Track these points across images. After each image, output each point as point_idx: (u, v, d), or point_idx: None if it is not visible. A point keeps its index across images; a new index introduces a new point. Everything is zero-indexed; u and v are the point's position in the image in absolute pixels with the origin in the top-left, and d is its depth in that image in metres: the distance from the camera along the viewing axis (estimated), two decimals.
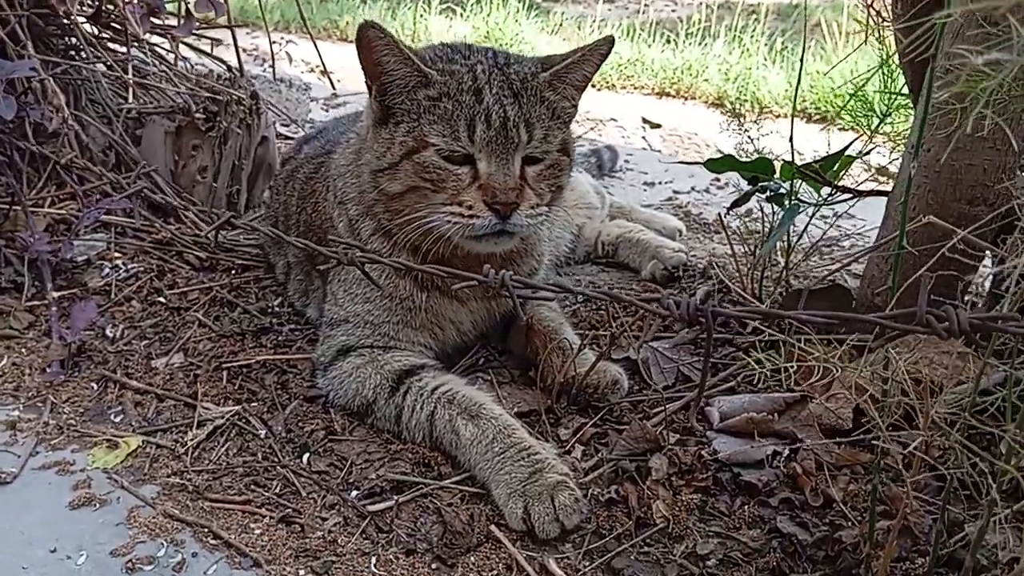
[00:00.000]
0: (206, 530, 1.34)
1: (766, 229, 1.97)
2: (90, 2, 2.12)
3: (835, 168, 1.80)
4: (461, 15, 6.13)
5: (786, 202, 1.83)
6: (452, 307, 1.63)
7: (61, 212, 2.17)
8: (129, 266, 2.03)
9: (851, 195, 1.82)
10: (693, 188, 3.39)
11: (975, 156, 1.45)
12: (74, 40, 2.36)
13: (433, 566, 1.28)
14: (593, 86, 5.30)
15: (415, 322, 1.60)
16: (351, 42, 3.04)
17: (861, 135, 1.88)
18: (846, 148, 1.81)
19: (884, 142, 1.96)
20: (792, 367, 1.09)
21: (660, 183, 3.45)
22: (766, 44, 5.37)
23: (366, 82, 1.49)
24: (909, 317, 0.89)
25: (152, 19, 2.01)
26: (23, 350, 1.82)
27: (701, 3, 8.09)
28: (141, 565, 1.28)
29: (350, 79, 4.75)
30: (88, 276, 2.00)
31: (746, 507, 1.34)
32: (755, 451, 1.41)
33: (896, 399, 1.04)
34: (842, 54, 5.49)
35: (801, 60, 1.97)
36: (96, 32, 2.41)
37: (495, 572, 1.27)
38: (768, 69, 5.03)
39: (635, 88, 5.25)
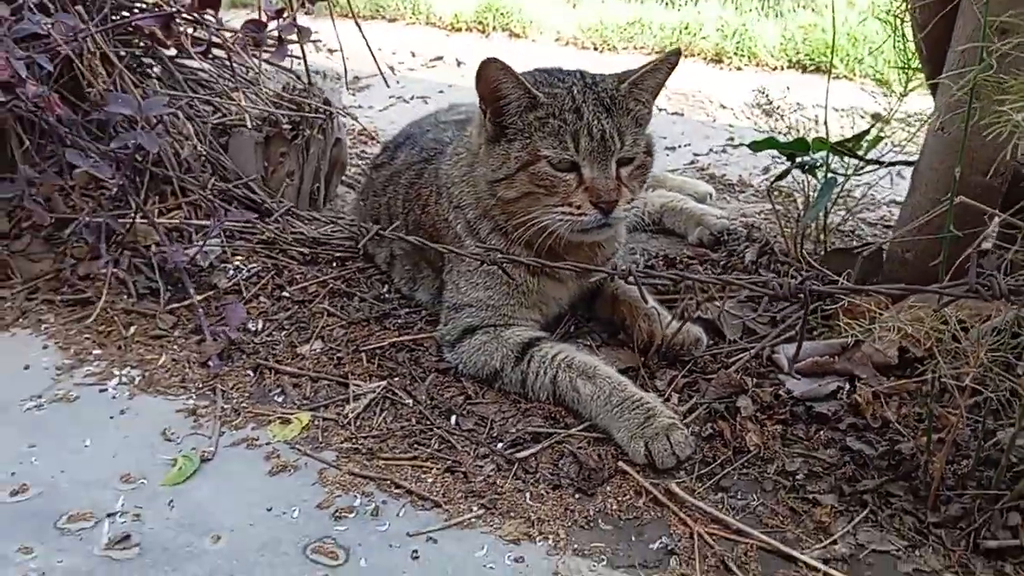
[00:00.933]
0: (388, 482, 1.66)
1: (802, 194, 2.27)
2: (202, 36, 2.36)
3: (863, 144, 2.10)
4: None
5: (821, 175, 2.14)
6: (555, 288, 1.95)
7: (173, 222, 2.44)
8: (249, 266, 2.32)
9: (878, 165, 2.13)
10: (711, 149, 3.68)
11: (988, 138, 1.76)
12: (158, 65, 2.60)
13: (576, 496, 1.61)
14: (595, 49, 5.56)
15: (528, 302, 1.93)
16: (350, 17, 3.21)
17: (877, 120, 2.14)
18: (871, 127, 2.11)
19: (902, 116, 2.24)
20: (876, 330, 1.41)
21: (679, 146, 3.74)
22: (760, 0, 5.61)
23: (480, 106, 1.78)
24: (962, 286, 1.21)
25: (255, 48, 2.27)
26: (176, 347, 2.11)
27: None
28: (344, 514, 1.60)
29: (359, 57, 4.98)
30: (215, 278, 2.29)
31: (820, 432, 1.67)
32: (822, 388, 1.74)
33: (949, 344, 1.37)
34: (830, 1, 5.76)
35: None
36: (173, 54, 2.65)
37: (628, 496, 1.60)
38: (762, 24, 5.27)
39: (636, 49, 5.48)
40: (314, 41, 2.51)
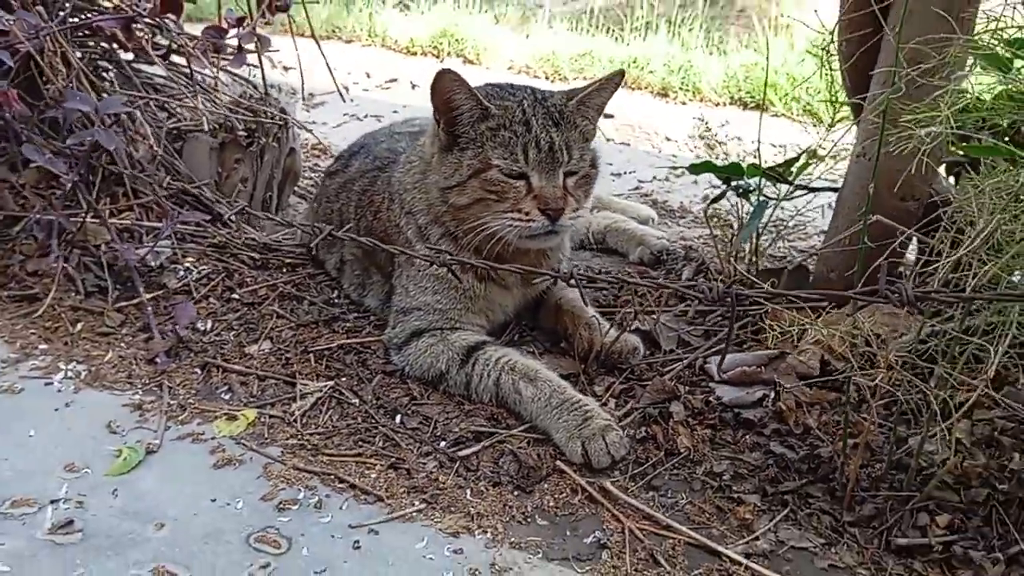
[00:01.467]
0: (332, 477, 1.70)
1: (738, 215, 2.39)
2: (161, 41, 2.40)
3: (793, 170, 2.24)
4: (416, 10, 6.40)
5: (753, 198, 2.27)
6: (501, 294, 2.03)
7: (124, 222, 2.46)
8: (199, 268, 2.35)
9: (807, 191, 2.26)
10: (655, 177, 3.82)
11: (904, 164, 1.90)
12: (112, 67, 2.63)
13: (515, 493, 1.68)
14: (547, 78, 5.71)
15: (475, 307, 2.00)
16: (308, 37, 3.28)
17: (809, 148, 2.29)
18: (801, 154, 2.25)
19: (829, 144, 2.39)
20: (795, 330, 1.51)
21: (625, 173, 3.87)
22: (705, 37, 5.83)
23: (434, 115, 1.86)
24: (874, 292, 1.33)
25: (214, 54, 2.31)
26: (123, 344, 2.13)
27: None
28: (288, 506, 1.63)
29: (316, 75, 5.04)
30: (165, 278, 2.31)
31: (746, 437, 1.77)
32: (749, 396, 1.84)
33: (862, 348, 1.48)
34: (772, 44, 6.02)
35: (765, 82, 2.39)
36: (130, 59, 2.68)
37: (564, 494, 1.67)
38: (706, 61, 5.48)
39: (586, 79, 5.64)
40: (272, 51, 2.56)
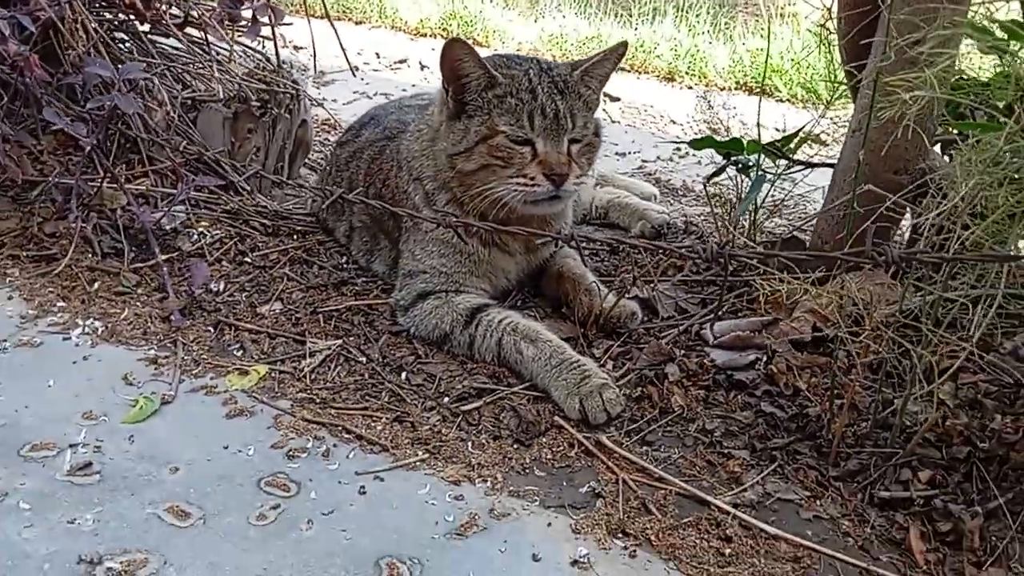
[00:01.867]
0: (339, 428, 1.78)
1: (737, 191, 2.46)
2: (177, 12, 2.47)
3: (792, 145, 2.30)
4: None
5: (753, 173, 2.33)
6: (505, 259, 2.10)
7: (140, 188, 2.53)
8: (213, 232, 2.42)
9: (804, 166, 2.32)
10: (659, 157, 3.88)
11: (897, 140, 1.96)
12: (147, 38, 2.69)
13: (514, 446, 1.75)
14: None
15: (479, 271, 2.07)
16: (319, 18, 3.32)
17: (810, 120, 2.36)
18: (800, 129, 2.30)
19: (828, 123, 2.46)
20: (784, 288, 1.58)
21: (630, 153, 3.92)
22: (711, 23, 5.87)
23: (443, 84, 1.93)
24: (860, 253, 1.39)
25: (229, 24, 2.38)
26: (138, 303, 2.20)
27: None
28: (297, 454, 1.71)
29: (325, 55, 5.09)
30: (180, 242, 2.38)
31: (738, 397, 1.84)
32: (742, 359, 1.91)
33: (849, 310, 1.54)
34: (777, 30, 6.06)
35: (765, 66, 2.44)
36: (146, 29, 2.74)
37: (562, 448, 1.74)
38: (713, 46, 5.52)
39: None
40: (286, 24, 2.62)
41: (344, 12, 6.41)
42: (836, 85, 2.30)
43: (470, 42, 6.08)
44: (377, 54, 5.67)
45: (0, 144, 2.18)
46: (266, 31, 2.64)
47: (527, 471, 1.69)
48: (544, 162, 1.89)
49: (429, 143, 2.05)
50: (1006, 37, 2.10)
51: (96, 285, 2.24)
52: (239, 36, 2.60)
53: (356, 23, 6.41)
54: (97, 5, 2.46)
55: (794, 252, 1.43)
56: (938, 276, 1.51)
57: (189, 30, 2.89)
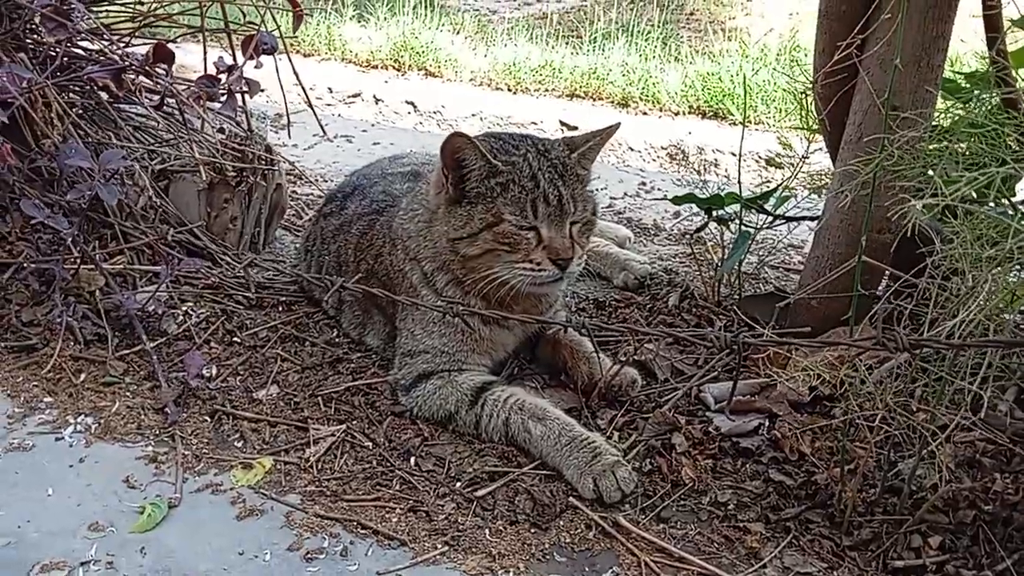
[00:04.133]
0: (354, 523, 1.76)
1: (717, 242, 2.51)
2: (154, 93, 2.41)
3: (772, 201, 2.36)
4: (375, 24, 6.40)
5: (733, 227, 2.38)
6: (504, 334, 2.11)
7: (117, 267, 2.46)
8: (198, 312, 2.37)
9: (786, 220, 2.38)
10: (625, 193, 3.91)
11: (881, 200, 2.02)
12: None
13: (532, 531, 1.75)
14: (509, 90, 5.78)
15: (480, 349, 2.07)
16: (305, 55, 3.27)
17: (786, 181, 2.41)
18: (778, 186, 2.36)
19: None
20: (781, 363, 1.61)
21: (595, 190, 3.95)
22: (662, 46, 5.96)
23: (442, 171, 1.94)
24: (870, 339, 1.43)
25: (208, 102, 2.33)
26: (128, 394, 2.14)
27: None
28: (315, 555, 1.69)
29: (276, 91, 5.03)
30: (165, 324, 2.33)
31: (746, 465, 1.88)
32: (745, 425, 1.95)
33: (856, 382, 1.59)
34: (724, 49, 6.19)
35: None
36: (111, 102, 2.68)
37: (579, 529, 1.76)
38: (664, 71, 5.60)
39: (547, 91, 5.72)
40: (261, 91, 2.58)
41: (292, 44, 6.32)
42: (811, 136, 2.36)
43: (422, 74, 6.01)
44: (329, 88, 5.62)
45: None
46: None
47: (547, 557, 1.70)
48: (549, 248, 1.92)
49: (426, 224, 2.04)
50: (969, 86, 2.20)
51: (83, 376, 2.18)
52: (217, 109, 2.54)
53: (304, 55, 6.33)
54: (69, 87, 2.39)
55: (807, 341, 1.47)
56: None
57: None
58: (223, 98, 2.34)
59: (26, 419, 2.03)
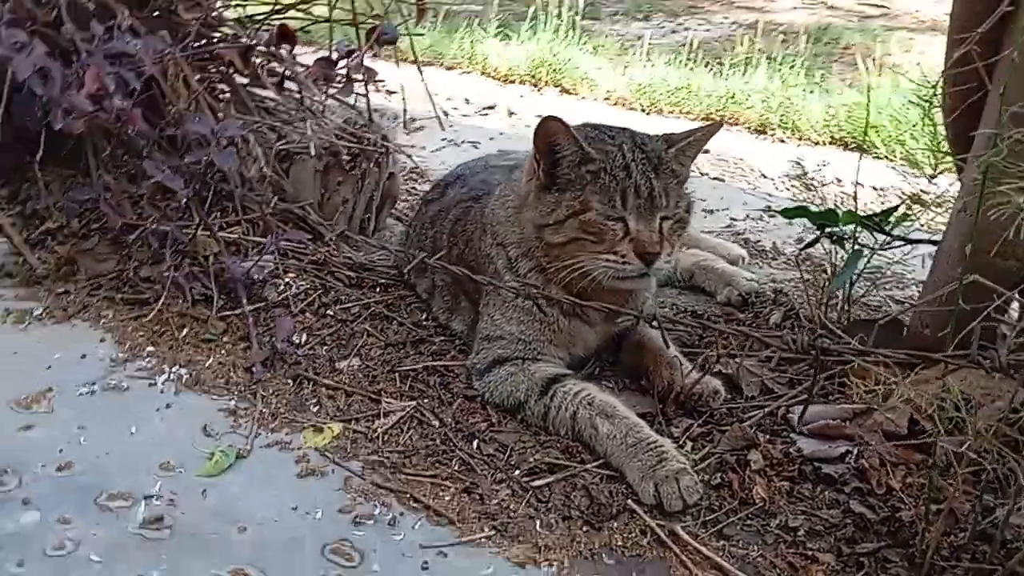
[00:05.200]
0: (407, 495, 1.75)
1: (831, 261, 2.35)
2: (276, 72, 2.55)
3: (891, 220, 2.19)
4: (518, 39, 6.52)
5: (848, 246, 2.23)
6: (584, 329, 2.06)
7: (232, 236, 2.59)
8: (298, 284, 2.46)
9: (904, 242, 2.21)
10: (748, 215, 3.77)
11: (1008, 223, 1.84)
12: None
13: (584, 529, 1.69)
14: (643, 111, 5.72)
15: (557, 340, 2.04)
16: (411, 63, 3.35)
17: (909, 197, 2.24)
18: (899, 205, 2.20)
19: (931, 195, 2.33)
20: (881, 389, 1.49)
21: (718, 210, 3.84)
22: (805, 73, 5.74)
23: (534, 156, 1.92)
24: (965, 356, 1.30)
25: (324, 83, 2.44)
26: (223, 352, 2.24)
27: (733, 23, 8.48)
28: (363, 520, 1.69)
29: (417, 100, 5.19)
30: (266, 292, 2.42)
31: (825, 493, 1.74)
32: (831, 450, 1.81)
33: (951, 413, 1.44)
34: (875, 82, 5.88)
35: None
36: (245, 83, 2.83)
37: (633, 534, 1.67)
38: (807, 99, 5.39)
39: (682, 113, 5.62)
40: (379, 81, 2.67)
41: (436, 57, 6.54)
42: (939, 156, 2.19)
43: (557, 91, 6.05)
44: (466, 99, 5.75)
45: (102, 192, 2.26)
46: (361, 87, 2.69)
47: (595, 557, 1.63)
48: (636, 240, 1.86)
49: (515, 210, 2.04)
50: None
51: (185, 331, 2.29)
52: (334, 93, 2.65)
53: (447, 68, 6.52)
54: (200, 59, 2.55)
55: (892, 351, 1.34)
56: None
57: (288, 84, 2.98)
58: (342, 83, 2.43)
59: (127, 364, 2.16)
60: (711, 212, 3.80)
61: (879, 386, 1.64)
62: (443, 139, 4.62)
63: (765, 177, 4.71)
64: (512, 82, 6.22)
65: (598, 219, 1.86)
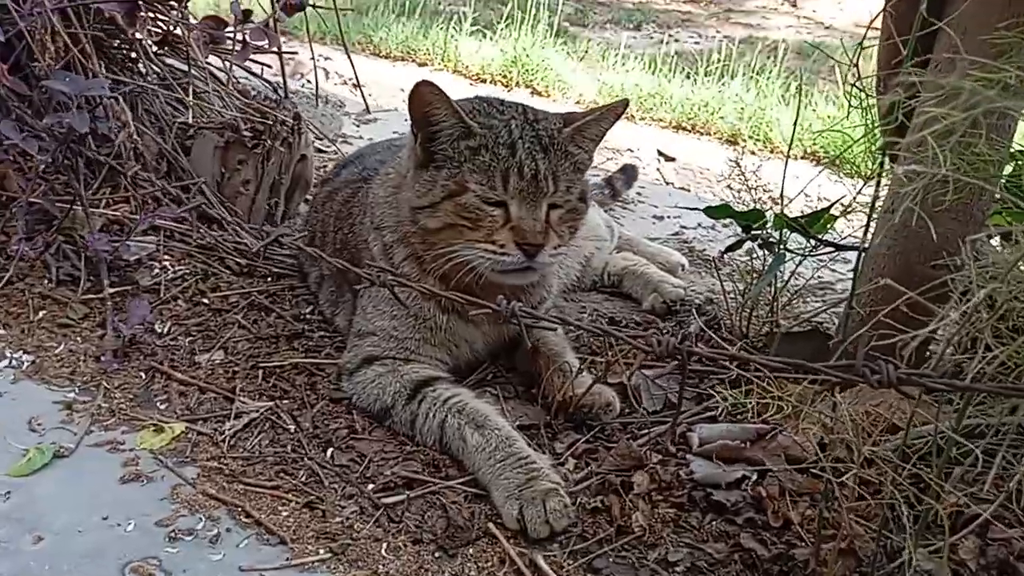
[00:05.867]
0: (239, 509, 1.53)
1: (760, 269, 2.15)
2: (158, 29, 2.34)
3: (819, 223, 1.98)
4: (490, 38, 6.33)
5: (775, 249, 2.02)
6: (468, 329, 1.84)
7: (115, 213, 2.38)
8: (176, 268, 2.24)
9: (833, 248, 2.00)
10: (700, 224, 3.56)
11: (938, 225, 1.63)
12: (133, 54, 2.58)
13: (436, 555, 1.47)
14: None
15: (434, 340, 1.81)
16: (384, 57, 3.18)
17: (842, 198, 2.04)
18: (830, 207, 1.99)
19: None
20: (751, 403, 1.27)
21: (668, 217, 3.63)
22: (781, 85, 5.55)
23: (412, 130, 1.71)
24: (849, 368, 1.08)
25: (213, 45, 2.23)
26: (78, 339, 2.02)
27: (724, 37, 8.31)
28: (182, 535, 1.47)
29: (381, 94, 4.96)
30: (139, 275, 2.20)
31: (714, 523, 1.52)
32: (726, 474, 1.59)
33: (840, 437, 1.22)
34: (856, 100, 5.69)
35: (798, 108, 2.15)
36: (155, 50, 2.63)
37: (490, 564, 1.45)
38: (782, 111, 5.20)
39: (653, 120, 5.43)
40: (290, 53, 2.46)
41: (408, 53, 6.34)
42: (875, 155, 1.98)
43: (528, 92, 5.86)
44: None
45: None
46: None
47: None
48: (517, 228, 1.64)
49: (394, 190, 1.81)
50: None
51: (41, 314, 2.08)
52: (229, 59, 2.44)
53: (420, 64, 6.33)
54: (98, 22, 2.34)
55: (767, 359, 1.13)
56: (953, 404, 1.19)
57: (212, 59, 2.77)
58: (237, 50, 2.21)
59: None
60: (660, 219, 3.59)
61: (779, 401, 1.43)
62: (394, 131, 4.41)
63: (731, 189, 4.51)
64: (484, 81, 6.02)
65: (475, 202, 1.64)
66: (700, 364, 1.91)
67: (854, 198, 2.00)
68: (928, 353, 1.81)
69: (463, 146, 1.67)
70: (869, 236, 1.79)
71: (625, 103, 1.78)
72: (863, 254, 1.77)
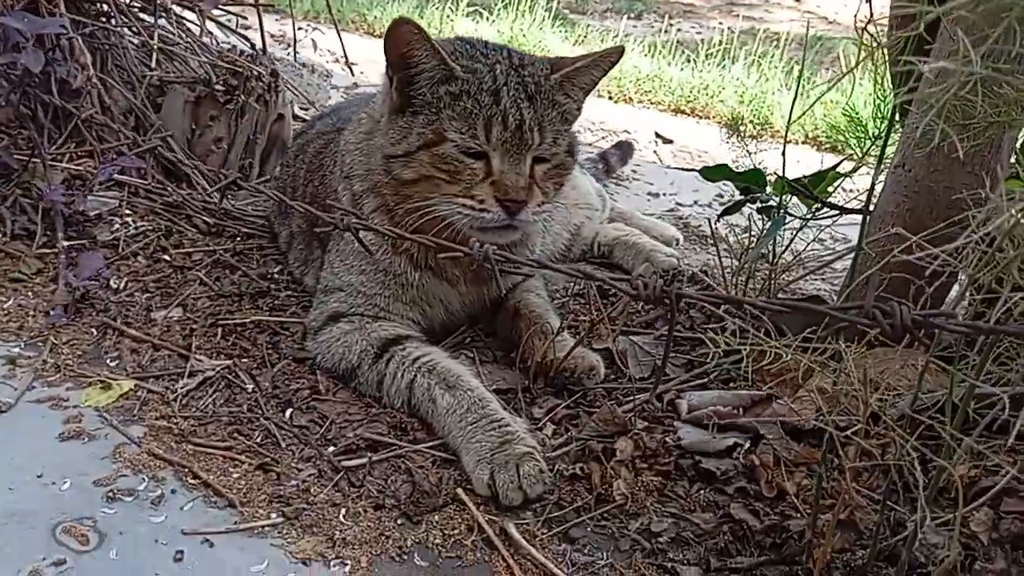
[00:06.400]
0: (187, 470, 1.41)
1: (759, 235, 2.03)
2: None
3: (822, 184, 1.86)
4: (487, 19, 6.20)
5: (774, 214, 1.90)
6: (443, 288, 1.71)
7: (79, 168, 2.25)
8: (138, 224, 2.11)
9: (836, 211, 1.88)
10: (696, 202, 3.44)
11: (953, 179, 1.51)
12: (104, 7, 2.46)
13: (399, 521, 1.34)
14: (610, 98, 5.39)
15: (405, 297, 1.68)
16: (378, 36, 3.08)
17: (850, 156, 1.94)
18: (835, 166, 1.87)
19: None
20: (746, 350, 1.15)
21: (664, 195, 3.51)
22: (784, 71, 5.43)
23: (387, 72, 1.58)
24: (856, 310, 0.96)
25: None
26: (29, 293, 1.89)
27: (727, 28, 8.19)
28: (121, 496, 1.35)
29: (372, 71, 4.83)
30: (98, 230, 2.08)
31: (702, 492, 1.40)
32: (717, 442, 1.47)
33: (844, 390, 1.10)
34: (858, 86, 5.57)
35: (799, 80, 2.03)
36: (128, 2, 2.50)
37: (457, 531, 1.33)
38: (784, 95, 5.08)
39: (652, 103, 5.32)
40: (266, 5, 2.33)
41: None
42: (883, 120, 1.86)
43: None
44: None
45: None
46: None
47: (404, 557, 1.28)
48: (498, 183, 1.50)
49: (366, 136, 1.68)
50: None
51: None
52: (201, 5, 2.32)
53: None
54: None
55: (765, 302, 1.00)
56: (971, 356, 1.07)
57: (185, 14, 2.65)
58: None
59: None
60: (656, 195, 3.47)
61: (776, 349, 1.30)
62: None
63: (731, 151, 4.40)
64: None
65: (454, 153, 1.51)
66: (690, 321, 1.80)
67: (864, 155, 1.89)
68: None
69: (443, 91, 1.53)
70: (875, 198, 1.67)
71: (620, 50, 1.66)
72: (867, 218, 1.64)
